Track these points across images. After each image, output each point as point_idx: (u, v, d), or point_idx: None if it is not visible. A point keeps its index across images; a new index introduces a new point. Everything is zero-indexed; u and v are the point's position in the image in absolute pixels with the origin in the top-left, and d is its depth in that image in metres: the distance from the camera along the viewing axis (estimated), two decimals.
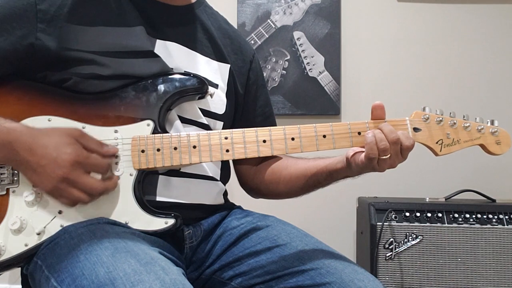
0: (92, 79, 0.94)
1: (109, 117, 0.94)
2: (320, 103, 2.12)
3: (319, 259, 0.95)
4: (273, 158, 1.16)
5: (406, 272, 1.63)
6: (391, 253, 1.63)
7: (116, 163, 0.93)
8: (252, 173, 1.18)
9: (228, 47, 1.14)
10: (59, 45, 0.93)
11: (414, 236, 1.63)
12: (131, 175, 0.93)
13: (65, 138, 0.86)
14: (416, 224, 1.64)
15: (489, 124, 1.00)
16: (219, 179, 1.08)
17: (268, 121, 1.20)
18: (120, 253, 0.78)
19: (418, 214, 1.64)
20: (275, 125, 1.20)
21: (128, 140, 0.93)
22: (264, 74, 2.06)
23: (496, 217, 1.64)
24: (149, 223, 0.91)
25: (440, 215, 1.64)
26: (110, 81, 0.95)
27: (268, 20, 2.15)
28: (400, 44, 2.15)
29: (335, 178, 1.04)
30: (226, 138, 0.95)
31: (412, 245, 1.63)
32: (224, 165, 1.12)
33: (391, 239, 1.64)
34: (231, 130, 0.96)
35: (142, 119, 0.94)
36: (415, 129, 0.97)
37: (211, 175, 1.05)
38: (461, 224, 1.63)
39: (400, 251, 1.63)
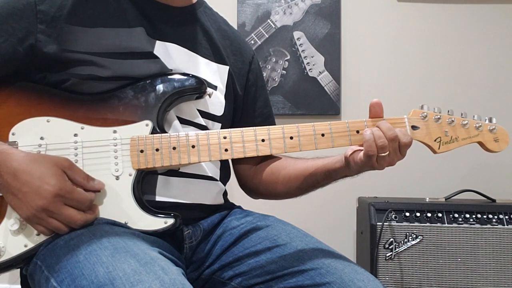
0: (91, 80, 0.94)
1: (108, 118, 0.94)
2: (320, 103, 2.12)
3: (319, 259, 0.95)
4: (272, 159, 1.16)
5: (406, 272, 1.63)
6: (391, 253, 1.63)
7: (116, 164, 0.93)
8: (251, 173, 1.18)
9: (227, 49, 1.14)
10: (59, 46, 0.93)
11: (414, 236, 1.63)
12: (130, 175, 0.93)
13: (52, 169, 0.85)
14: (416, 224, 1.64)
15: (487, 121, 1.00)
16: (218, 179, 1.08)
17: (268, 122, 1.20)
18: (120, 253, 0.78)
19: (418, 214, 1.64)
20: None
21: (127, 140, 0.93)
22: (264, 74, 2.07)
23: (496, 217, 1.63)
24: (148, 223, 0.91)
25: (440, 215, 1.64)
26: (109, 82, 0.95)
27: (268, 20, 2.15)
28: (400, 44, 2.15)
29: (334, 177, 1.04)
30: (224, 137, 0.95)
31: (412, 245, 1.63)
32: (224, 165, 1.12)
33: (391, 239, 1.64)
34: (229, 129, 0.96)
35: (140, 119, 0.94)
36: (413, 127, 0.97)
37: (210, 175, 1.05)
38: (461, 224, 1.63)
39: (400, 251, 1.63)
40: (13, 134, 0.91)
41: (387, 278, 1.62)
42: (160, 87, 0.96)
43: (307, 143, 0.96)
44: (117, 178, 0.93)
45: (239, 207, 1.17)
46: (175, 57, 1.02)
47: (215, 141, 0.95)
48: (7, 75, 0.94)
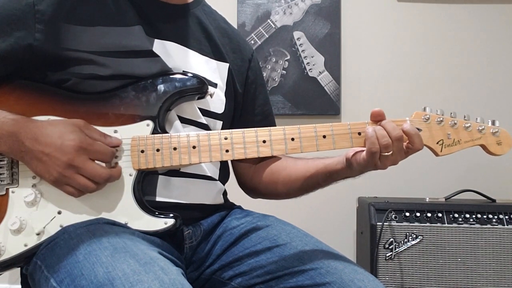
0: (92, 79, 0.93)
1: (108, 117, 0.94)
2: (320, 103, 2.12)
3: (319, 259, 0.94)
4: (272, 158, 1.16)
5: (406, 272, 1.63)
6: (391, 253, 1.63)
7: (116, 163, 0.92)
8: (251, 173, 1.18)
9: (226, 46, 1.14)
10: (58, 46, 0.92)
11: (414, 236, 1.63)
12: (130, 175, 0.92)
13: (69, 127, 0.87)
14: (416, 224, 1.64)
15: (490, 124, 0.99)
16: (217, 179, 1.08)
17: (267, 120, 1.20)
18: (119, 253, 0.78)
19: (418, 214, 1.64)
20: (274, 124, 1.20)
21: (127, 140, 0.93)
22: (264, 74, 2.07)
23: (496, 217, 1.64)
24: (148, 224, 0.91)
25: (440, 215, 1.64)
26: (110, 81, 0.95)
27: (268, 20, 2.15)
28: (400, 44, 2.15)
29: (335, 179, 1.03)
30: (225, 138, 0.95)
31: (412, 245, 1.63)
32: (223, 165, 1.12)
33: (391, 239, 1.64)
34: (230, 130, 0.96)
35: (141, 119, 0.94)
36: None
37: (209, 175, 1.05)
38: (461, 224, 1.63)
39: (400, 251, 1.63)
40: None
41: (387, 278, 1.62)
42: (161, 87, 0.96)
43: (309, 144, 0.96)
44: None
45: (239, 207, 1.17)
46: (174, 55, 1.02)
47: (216, 142, 0.95)
48: (7, 75, 0.94)
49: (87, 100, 0.95)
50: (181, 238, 1.00)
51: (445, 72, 2.14)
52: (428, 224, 1.64)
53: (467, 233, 1.63)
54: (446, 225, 1.63)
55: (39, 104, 0.93)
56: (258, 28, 2.15)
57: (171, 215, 0.92)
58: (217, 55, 1.11)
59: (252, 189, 1.20)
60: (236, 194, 1.22)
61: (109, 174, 0.88)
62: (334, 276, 0.90)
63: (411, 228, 1.64)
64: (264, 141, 0.95)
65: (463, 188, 1.83)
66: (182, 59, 1.03)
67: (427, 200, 1.75)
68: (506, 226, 1.62)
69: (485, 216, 1.64)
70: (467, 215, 1.64)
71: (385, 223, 1.63)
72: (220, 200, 1.11)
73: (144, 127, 0.94)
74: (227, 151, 0.95)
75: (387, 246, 1.64)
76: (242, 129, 0.96)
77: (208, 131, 0.96)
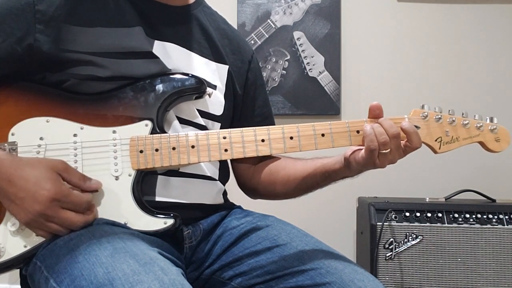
0: (91, 80, 0.93)
1: (107, 118, 0.94)
2: (320, 103, 2.12)
3: (319, 259, 0.94)
4: (271, 159, 1.16)
5: (406, 272, 1.63)
6: (391, 253, 1.63)
7: (115, 164, 0.92)
8: (250, 173, 1.17)
9: (226, 48, 1.14)
10: (58, 46, 0.92)
11: (414, 236, 1.63)
12: (129, 175, 0.92)
13: (47, 173, 0.84)
14: (416, 224, 1.64)
15: (488, 121, 0.99)
16: (217, 178, 1.08)
17: (267, 121, 1.20)
18: (119, 254, 0.78)
19: (418, 214, 1.64)
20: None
21: (126, 141, 0.93)
22: (264, 74, 2.07)
23: (496, 217, 1.63)
24: (148, 224, 0.91)
25: (440, 215, 1.64)
26: (109, 82, 0.95)
27: (268, 20, 2.15)
28: (400, 44, 2.15)
29: (334, 178, 1.03)
30: (224, 137, 0.95)
31: (412, 245, 1.63)
32: (223, 165, 1.12)
33: (391, 239, 1.64)
34: (229, 130, 0.95)
35: (140, 120, 0.94)
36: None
37: (209, 175, 1.05)
38: (461, 224, 1.63)
39: (400, 251, 1.63)
40: (12, 134, 0.91)
41: (387, 278, 1.62)
42: (159, 87, 0.96)
43: (307, 143, 0.95)
44: (117, 178, 0.92)
45: (239, 207, 1.17)
46: (173, 56, 1.02)
47: (215, 141, 0.95)
48: (7, 75, 0.94)
49: (86, 101, 0.94)
50: (181, 238, 1.00)
51: (445, 72, 2.14)
52: (428, 224, 1.64)
53: (467, 233, 1.63)
54: (446, 225, 1.63)
55: (38, 105, 0.93)
56: (258, 28, 2.15)
57: (171, 215, 0.92)
58: (217, 57, 1.11)
59: (251, 190, 1.20)
60: (236, 194, 1.22)
61: (83, 222, 0.87)
62: (334, 276, 0.90)
63: (411, 228, 1.64)
64: (262, 140, 0.95)
65: (463, 188, 1.83)
66: (182, 60, 1.03)
67: (427, 200, 1.75)
68: (506, 226, 1.62)
69: (485, 216, 1.64)
70: (467, 215, 1.64)
71: (385, 223, 1.63)
72: (220, 200, 1.11)
73: (142, 127, 0.94)
74: (226, 150, 0.95)
75: (387, 246, 1.63)
76: (241, 128, 0.96)
77: (207, 131, 0.96)
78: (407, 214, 1.65)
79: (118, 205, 0.92)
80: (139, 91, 0.95)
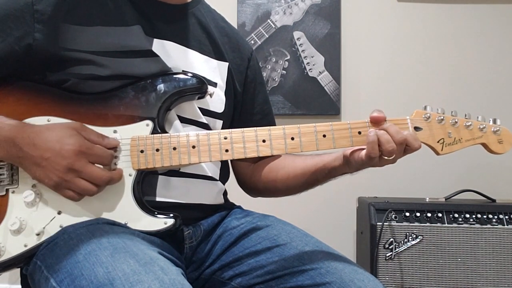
0: (91, 79, 0.93)
1: (108, 117, 0.94)
2: (320, 103, 2.12)
3: (319, 259, 0.95)
4: (270, 157, 1.15)
5: (406, 272, 1.62)
6: (391, 253, 1.63)
7: (115, 163, 0.92)
8: (250, 171, 1.17)
9: (226, 45, 1.14)
10: (57, 46, 0.92)
11: (414, 236, 1.63)
12: (130, 175, 0.92)
13: (67, 131, 0.86)
14: (416, 224, 1.64)
15: (491, 122, 0.98)
16: (218, 178, 1.08)
17: (267, 119, 1.20)
18: (119, 253, 0.78)
19: (418, 214, 1.64)
20: (274, 123, 1.20)
21: (127, 141, 0.93)
22: (264, 74, 2.07)
23: (496, 217, 1.63)
24: (148, 224, 0.91)
25: (440, 215, 1.64)
26: (109, 81, 0.95)
27: (268, 20, 2.15)
28: (400, 44, 2.15)
29: (333, 175, 1.03)
30: (225, 138, 0.95)
31: (412, 245, 1.63)
32: (223, 164, 1.12)
33: (391, 239, 1.63)
34: (230, 130, 0.95)
35: (141, 119, 0.94)
36: (416, 128, 0.96)
37: (210, 175, 1.05)
38: (461, 224, 1.63)
39: (400, 251, 1.63)
40: None
41: (387, 278, 1.62)
42: (161, 87, 0.96)
43: (308, 144, 0.95)
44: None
45: (239, 207, 1.17)
46: (173, 55, 1.02)
47: (216, 142, 0.95)
48: (7, 75, 0.94)
49: (87, 100, 0.94)
50: (181, 238, 1.00)
51: (445, 72, 2.14)
52: (428, 224, 1.63)
53: (467, 233, 1.62)
54: (446, 225, 1.63)
55: (38, 105, 0.93)
56: (258, 28, 2.15)
57: (171, 215, 0.92)
58: (217, 54, 1.11)
59: (251, 188, 1.20)
60: (236, 194, 1.22)
61: (110, 177, 0.88)
62: (334, 276, 0.90)
63: (411, 228, 1.63)
64: (263, 141, 0.95)
65: (463, 188, 1.83)
66: (182, 58, 1.03)
67: (427, 200, 1.75)
68: (506, 226, 1.62)
69: (485, 216, 1.64)
70: (467, 215, 1.64)
71: (385, 223, 1.63)
72: (220, 200, 1.11)
73: (143, 127, 0.94)
74: (226, 150, 0.95)
75: (387, 246, 1.63)
76: (242, 129, 0.96)
77: (208, 131, 0.96)
78: (407, 214, 1.65)
79: (119, 205, 0.92)
80: (140, 91, 0.95)
